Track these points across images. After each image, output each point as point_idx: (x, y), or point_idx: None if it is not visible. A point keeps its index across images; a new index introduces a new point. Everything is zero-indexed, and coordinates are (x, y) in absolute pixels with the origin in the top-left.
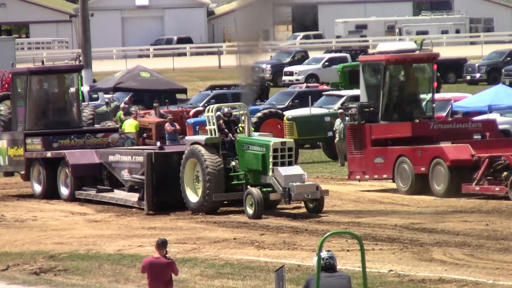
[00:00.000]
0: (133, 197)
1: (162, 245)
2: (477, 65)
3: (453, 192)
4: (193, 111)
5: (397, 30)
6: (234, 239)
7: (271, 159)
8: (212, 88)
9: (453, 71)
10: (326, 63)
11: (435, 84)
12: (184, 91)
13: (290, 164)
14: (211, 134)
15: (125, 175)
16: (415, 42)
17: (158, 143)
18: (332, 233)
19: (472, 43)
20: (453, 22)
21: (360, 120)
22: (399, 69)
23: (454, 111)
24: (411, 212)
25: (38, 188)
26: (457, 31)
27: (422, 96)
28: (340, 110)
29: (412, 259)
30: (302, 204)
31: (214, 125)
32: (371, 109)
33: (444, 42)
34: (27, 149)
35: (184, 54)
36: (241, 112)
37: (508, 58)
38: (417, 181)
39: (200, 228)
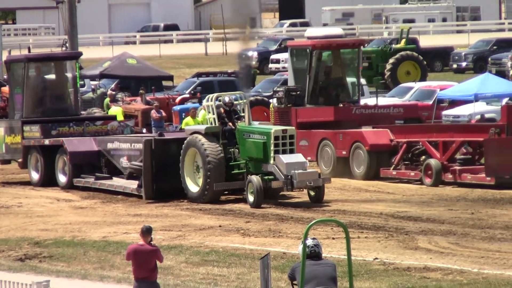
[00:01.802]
0: (132, 184)
1: (147, 232)
2: (463, 53)
3: (372, 175)
4: (179, 98)
5: (384, 18)
6: (220, 226)
7: (272, 147)
8: (198, 75)
9: (439, 60)
10: None
11: (361, 67)
12: (170, 78)
13: (291, 152)
14: (211, 123)
15: (124, 162)
16: (402, 30)
17: (144, 130)
18: (317, 221)
19: (458, 32)
20: (439, 10)
21: (286, 104)
22: (325, 54)
23: (440, 99)
24: (396, 200)
25: (35, 176)
26: (444, 20)
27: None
28: None
29: (398, 247)
30: (292, 193)
31: (214, 114)
32: (298, 93)
33: (430, 31)
34: (24, 137)
35: (171, 41)
36: (241, 101)
37: (495, 47)
38: (339, 164)
39: (185, 215)
